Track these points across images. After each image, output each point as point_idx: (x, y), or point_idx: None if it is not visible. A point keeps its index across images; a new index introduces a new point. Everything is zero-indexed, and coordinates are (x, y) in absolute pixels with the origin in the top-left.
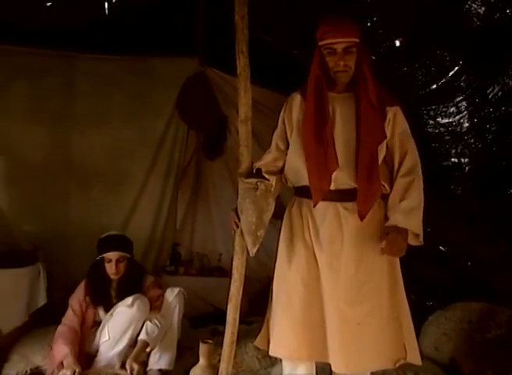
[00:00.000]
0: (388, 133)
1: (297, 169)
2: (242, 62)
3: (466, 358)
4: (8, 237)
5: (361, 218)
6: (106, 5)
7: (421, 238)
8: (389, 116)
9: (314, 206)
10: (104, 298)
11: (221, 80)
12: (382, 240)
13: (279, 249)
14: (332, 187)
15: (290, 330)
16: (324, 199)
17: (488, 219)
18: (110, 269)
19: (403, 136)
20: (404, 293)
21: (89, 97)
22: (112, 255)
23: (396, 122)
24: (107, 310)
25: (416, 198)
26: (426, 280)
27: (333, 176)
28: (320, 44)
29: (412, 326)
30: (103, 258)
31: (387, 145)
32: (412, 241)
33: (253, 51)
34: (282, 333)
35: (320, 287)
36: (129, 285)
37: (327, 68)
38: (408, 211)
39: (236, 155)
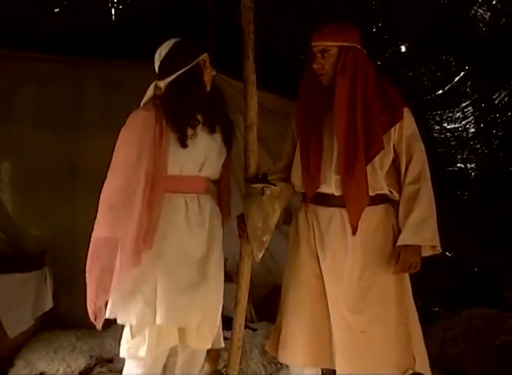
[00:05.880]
0: (396, 137)
1: (301, 174)
2: (248, 67)
3: (473, 364)
4: (14, 241)
5: (352, 227)
6: (113, 11)
7: (439, 247)
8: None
9: (307, 202)
10: (194, 116)
11: (227, 85)
12: (395, 260)
13: (289, 255)
14: (337, 192)
15: (297, 336)
16: (329, 205)
17: (495, 224)
18: (208, 75)
19: (410, 139)
20: (412, 301)
21: (96, 102)
22: (208, 58)
23: (403, 124)
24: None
25: (424, 208)
26: (433, 286)
27: (334, 180)
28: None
29: (421, 334)
30: (198, 63)
31: (395, 150)
32: (429, 252)
33: (260, 56)
34: (290, 339)
35: (325, 294)
36: (221, 105)
37: None
38: (417, 225)
39: (241, 160)
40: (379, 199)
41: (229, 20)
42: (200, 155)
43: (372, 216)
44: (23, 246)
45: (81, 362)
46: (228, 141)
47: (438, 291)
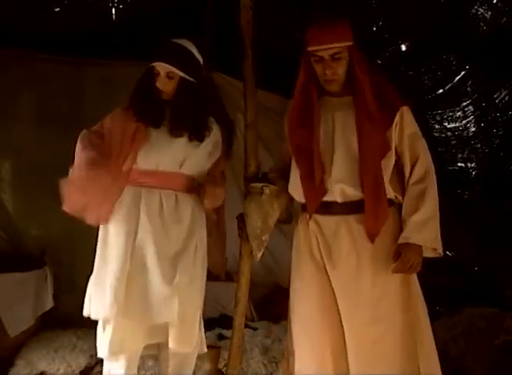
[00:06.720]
0: (396, 137)
1: (299, 183)
2: (248, 67)
3: (474, 364)
4: (15, 240)
5: (372, 239)
6: (114, 10)
7: (440, 250)
8: (396, 118)
9: (310, 218)
10: (154, 114)
11: (227, 84)
12: (395, 259)
13: (292, 269)
14: (340, 200)
15: (313, 358)
16: (334, 213)
17: (496, 223)
18: (157, 82)
19: (412, 139)
20: (424, 307)
21: (97, 102)
22: (160, 68)
23: (404, 123)
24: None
25: (429, 208)
26: (433, 285)
27: (338, 188)
28: (307, 50)
29: (431, 341)
30: (153, 67)
31: (396, 150)
32: (430, 254)
33: (260, 56)
34: (305, 361)
35: (336, 307)
36: (184, 114)
37: (316, 75)
38: (421, 224)
39: (241, 159)
40: None
41: (229, 20)
42: (179, 153)
43: None
44: (23, 246)
45: (82, 362)
46: (227, 142)
47: (439, 291)
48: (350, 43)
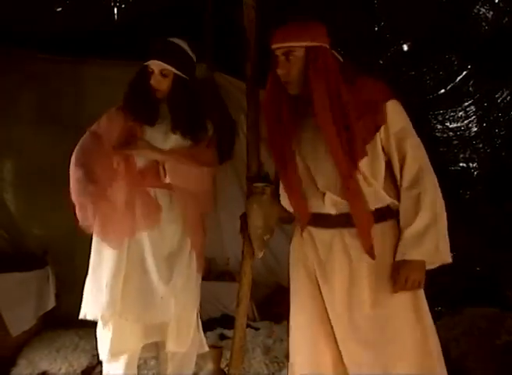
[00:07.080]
0: (383, 137)
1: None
2: (250, 67)
3: (475, 364)
4: (17, 240)
5: (367, 251)
6: (115, 10)
7: (449, 258)
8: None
9: (302, 231)
10: (148, 112)
11: (229, 84)
12: (393, 279)
13: (290, 277)
14: (334, 211)
15: (311, 365)
16: (328, 226)
17: (498, 223)
18: (152, 80)
19: (399, 137)
20: (431, 321)
21: (97, 102)
22: (154, 65)
23: (389, 121)
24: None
25: (426, 216)
26: (434, 285)
27: (328, 198)
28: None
29: (441, 358)
30: (146, 66)
31: (385, 151)
32: (437, 264)
33: (261, 56)
34: (301, 364)
35: (333, 327)
36: (181, 111)
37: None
38: (417, 237)
39: (244, 159)
40: (382, 214)
41: (229, 20)
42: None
43: (376, 236)
44: (25, 245)
45: (83, 361)
46: (226, 142)
47: (440, 291)
48: (305, 44)
